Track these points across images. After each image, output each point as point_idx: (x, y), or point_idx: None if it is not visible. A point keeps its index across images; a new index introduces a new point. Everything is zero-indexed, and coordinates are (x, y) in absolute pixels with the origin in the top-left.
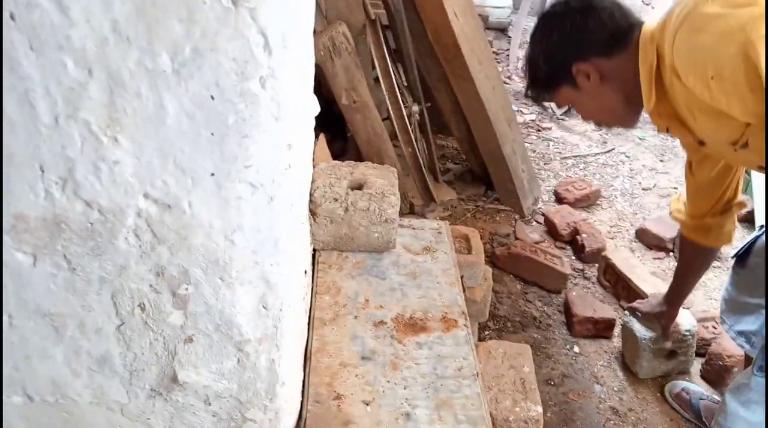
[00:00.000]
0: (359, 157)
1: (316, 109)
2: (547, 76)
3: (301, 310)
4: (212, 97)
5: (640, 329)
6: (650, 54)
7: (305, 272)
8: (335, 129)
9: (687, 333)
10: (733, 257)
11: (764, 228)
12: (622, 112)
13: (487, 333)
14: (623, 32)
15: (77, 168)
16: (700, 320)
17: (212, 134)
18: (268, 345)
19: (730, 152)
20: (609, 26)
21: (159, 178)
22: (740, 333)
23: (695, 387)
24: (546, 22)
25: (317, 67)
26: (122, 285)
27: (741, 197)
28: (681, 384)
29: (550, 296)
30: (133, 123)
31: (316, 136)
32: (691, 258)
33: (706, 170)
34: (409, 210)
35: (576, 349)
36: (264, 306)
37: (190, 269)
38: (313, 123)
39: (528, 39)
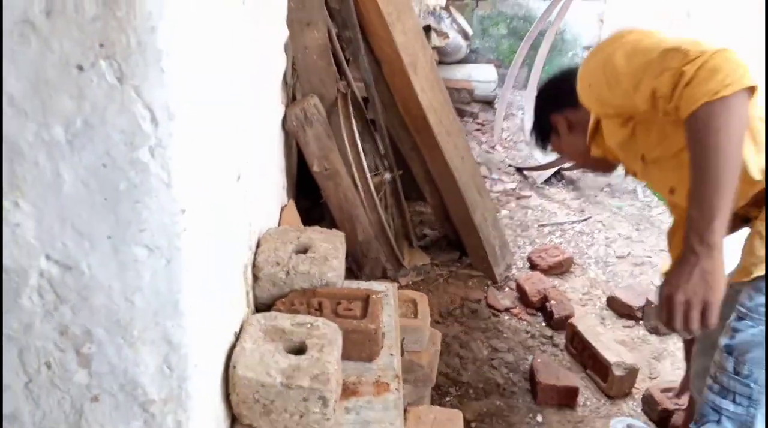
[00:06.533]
0: (335, 223)
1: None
2: (538, 126)
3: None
4: (104, 166)
5: None
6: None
7: (235, 333)
8: (317, 195)
9: None
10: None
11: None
12: (590, 157)
13: (448, 399)
14: None
15: None
16: (664, 390)
17: (106, 200)
18: (174, 406)
19: (642, 168)
20: None
21: (59, 240)
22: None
23: (640, 424)
24: (540, 89)
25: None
26: (28, 343)
27: None
28: (627, 420)
29: (518, 363)
30: (33, 189)
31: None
32: None
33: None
34: (382, 274)
35: (539, 418)
36: (168, 367)
37: (92, 329)
38: (226, 186)
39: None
